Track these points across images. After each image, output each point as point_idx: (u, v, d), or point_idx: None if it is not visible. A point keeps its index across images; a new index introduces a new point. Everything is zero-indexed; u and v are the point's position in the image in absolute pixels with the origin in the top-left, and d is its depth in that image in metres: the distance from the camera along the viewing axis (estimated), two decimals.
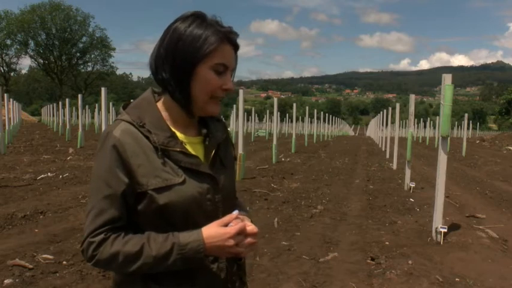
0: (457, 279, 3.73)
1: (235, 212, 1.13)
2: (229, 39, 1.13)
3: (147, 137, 1.10)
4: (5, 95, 16.13)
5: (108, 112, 12.54)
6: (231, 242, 1.08)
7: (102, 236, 1.07)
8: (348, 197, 7.65)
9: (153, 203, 1.08)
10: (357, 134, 56.08)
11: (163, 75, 1.12)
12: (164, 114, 1.16)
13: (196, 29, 1.10)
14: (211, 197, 1.15)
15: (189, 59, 1.10)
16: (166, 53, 1.11)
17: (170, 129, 1.13)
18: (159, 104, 1.18)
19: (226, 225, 1.10)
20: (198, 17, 1.12)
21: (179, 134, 1.16)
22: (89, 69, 66.54)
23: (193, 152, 1.15)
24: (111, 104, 26.06)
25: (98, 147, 1.12)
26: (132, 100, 1.22)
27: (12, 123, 18.73)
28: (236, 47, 1.16)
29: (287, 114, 36.74)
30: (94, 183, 1.10)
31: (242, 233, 1.09)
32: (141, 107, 1.15)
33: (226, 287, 1.20)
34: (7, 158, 11.57)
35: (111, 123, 1.17)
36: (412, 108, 8.56)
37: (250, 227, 1.11)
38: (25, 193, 6.93)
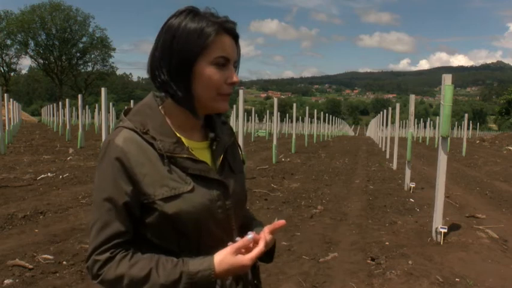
0: (457, 279, 3.73)
1: (250, 236, 1.06)
2: (227, 29, 1.06)
3: (151, 144, 1.04)
4: (5, 95, 16.13)
5: (108, 112, 12.54)
6: (245, 270, 1.07)
7: (107, 254, 1.02)
8: (348, 197, 7.65)
9: (162, 214, 1.03)
10: (357, 134, 56.06)
11: (162, 77, 1.06)
12: (167, 119, 1.10)
13: (189, 24, 1.04)
14: (222, 203, 1.10)
15: (186, 57, 1.04)
16: (162, 54, 1.05)
17: (175, 135, 1.08)
18: (162, 109, 1.11)
19: (240, 251, 1.05)
20: (190, 12, 1.06)
21: (185, 140, 1.10)
22: (89, 69, 66.66)
23: (200, 158, 1.09)
24: (111, 104, 26.04)
25: (99, 156, 1.07)
26: (132, 104, 1.18)
27: (12, 124, 18.72)
28: (236, 37, 1.09)
29: (287, 114, 36.73)
30: (97, 195, 1.04)
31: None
32: (143, 112, 1.09)
33: None
34: (7, 158, 11.57)
35: (111, 123, 1.15)
36: (412, 108, 8.56)
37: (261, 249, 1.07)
38: (25, 193, 6.93)
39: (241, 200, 1.19)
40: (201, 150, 1.13)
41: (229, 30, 1.07)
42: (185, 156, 1.06)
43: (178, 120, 1.11)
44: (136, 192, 1.03)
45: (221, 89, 1.07)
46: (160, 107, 1.12)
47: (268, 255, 1.19)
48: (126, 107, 1.17)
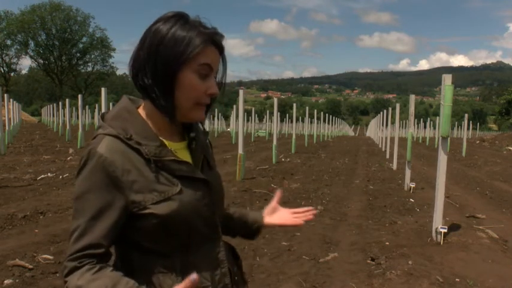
0: (457, 279, 3.73)
1: (194, 276, 0.95)
2: (214, 41, 1.07)
3: (136, 150, 1.03)
4: (5, 95, 16.13)
5: None
6: None
7: (75, 263, 1.00)
8: (348, 197, 7.65)
9: (154, 218, 1.03)
10: (357, 134, 56.07)
11: (145, 81, 1.04)
12: (148, 122, 1.09)
13: (179, 31, 1.03)
14: (207, 201, 1.12)
15: (171, 64, 1.02)
16: (147, 57, 1.04)
17: (158, 138, 1.07)
18: (140, 112, 1.10)
19: None
20: (180, 18, 1.05)
21: (166, 142, 1.10)
22: (89, 69, 66.77)
23: (183, 158, 1.11)
24: (111, 104, 26.03)
25: (79, 166, 1.03)
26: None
27: (12, 124, 18.73)
28: (221, 49, 1.10)
29: (287, 115, 36.71)
30: (79, 203, 1.02)
31: None
32: (122, 117, 1.07)
33: None
34: (7, 158, 11.57)
35: None
36: (412, 109, 8.56)
37: None
38: (25, 193, 6.93)
39: (221, 195, 1.23)
40: (181, 151, 1.14)
41: (216, 42, 1.08)
42: (171, 158, 1.07)
43: (158, 123, 1.10)
44: (123, 201, 1.02)
45: (200, 99, 1.07)
46: (138, 110, 1.11)
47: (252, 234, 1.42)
48: (102, 112, 1.15)
